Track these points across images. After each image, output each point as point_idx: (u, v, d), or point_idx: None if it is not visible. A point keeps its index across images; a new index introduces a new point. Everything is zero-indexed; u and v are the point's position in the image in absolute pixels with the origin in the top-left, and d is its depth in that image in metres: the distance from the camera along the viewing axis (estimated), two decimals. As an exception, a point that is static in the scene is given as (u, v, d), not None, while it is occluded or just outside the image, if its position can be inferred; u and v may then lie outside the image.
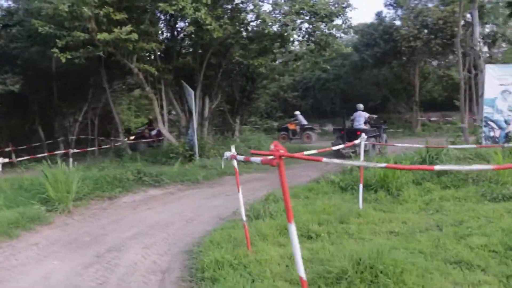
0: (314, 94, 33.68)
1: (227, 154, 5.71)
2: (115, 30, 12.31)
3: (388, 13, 30.89)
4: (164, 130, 16.09)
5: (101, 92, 23.52)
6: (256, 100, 22.27)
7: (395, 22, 29.16)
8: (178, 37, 16.27)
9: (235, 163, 5.82)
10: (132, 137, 22.91)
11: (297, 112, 26.24)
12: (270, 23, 13.74)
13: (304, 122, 25.41)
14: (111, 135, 26.50)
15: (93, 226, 8.54)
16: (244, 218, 5.92)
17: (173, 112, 35.15)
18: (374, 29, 27.76)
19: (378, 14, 29.87)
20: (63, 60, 13.19)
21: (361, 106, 17.54)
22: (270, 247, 5.89)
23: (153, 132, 23.52)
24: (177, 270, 5.73)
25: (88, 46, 13.56)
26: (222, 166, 13.51)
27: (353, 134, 15.52)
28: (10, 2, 19.01)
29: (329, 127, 31.29)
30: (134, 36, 12.49)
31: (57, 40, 13.10)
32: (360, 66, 30.19)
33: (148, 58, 14.98)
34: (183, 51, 16.42)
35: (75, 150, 16.40)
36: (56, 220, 8.94)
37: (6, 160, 14.08)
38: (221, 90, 18.86)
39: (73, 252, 6.86)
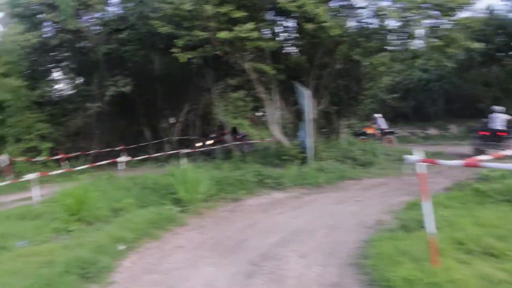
0: (415, 95, 32.09)
1: (411, 157, 5.07)
2: (236, 28, 12.06)
3: (505, 5, 28.51)
4: (276, 132, 15.68)
5: (201, 93, 23.82)
6: (362, 101, 21.36)
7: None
8: (290, 35, 15.79)
9: (421, 167, 5.14)
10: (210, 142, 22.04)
11: (377, 115, 25.08)
12: (391, 18, 12.92)
13: (384, 125, 24.21)
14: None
15: (229, 229, 8.20)
16: (432, 230, 5.21)
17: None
18: (486, 24, 25.91)
19: (489, 8, 27.85)
20: (183, 60, 13.15)
21: (499, 108, 16.26)
22: (455, 264, 5.18)
23: (238, 136, 23.06)
24: (352, 285, 5.17)
25: (205, 46, 13.43)
26: (405, 171, 12.83)
27: (495, 135, 14.59)
28: (117, 8, 19.48)
29: (431, 131, 29.66)
30: (255, 34, 12.18)
31: (175, 40, 13.11)
32: (466, 64, 28.28)
33: (259, 57, 14.57)
34: (295, 50, 15.90)
35: (186, 150, 16.42)
36: (190, 222, 8.73)
37: (128, 158, 14.28)
38: (328, 91, 18.17)
39: (223, 257, 6.52)
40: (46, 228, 8.27)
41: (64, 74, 20.03)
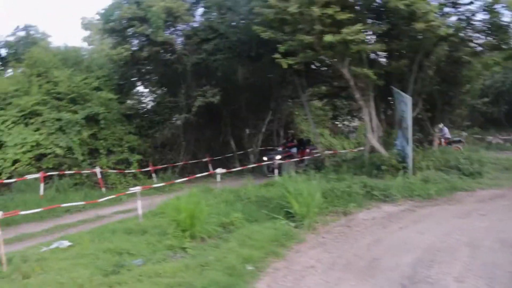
0: (508, 99, 29.78)
1: None
2: (344, 30, 11.38)
3: None
4: (373, 140, 14.75)
5: (283, 102, 23.30)
6: (460, 106, 19.99)
7: None
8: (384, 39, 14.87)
9: None
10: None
11: (441, 125, 23.55)
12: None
13: (448, 135, 22.65)
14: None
15: (354, 247, 7.50)
16: None
17: (351, 122, 34.08)
18: None
19: None
20: (285, 66, 12.65)
21: None
22: None
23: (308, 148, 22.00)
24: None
25: (307, 50, 12.84)
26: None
27: None
28: (204, 18, 19.33)
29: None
30: (361, 36, 11.46)
31: (278, 45, 12.63)
32: None
33: (358, 62, 13.75)
34: (395, 53, 14.92)
35: (280, 161, 15.87)
36: (308, 238, 8.11)
37: (223, 170, 13.89)
38: (422, 96, 17.03)
39: (362, 280, 5.88)
40: (159, 245, 7.91)
41: (150, 86, 20.09)
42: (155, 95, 20.14)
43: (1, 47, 21.84)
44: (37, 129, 15.33)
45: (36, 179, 13.46)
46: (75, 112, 16.15)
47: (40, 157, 15.00)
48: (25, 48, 21.16)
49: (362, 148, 22.25)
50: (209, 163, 19.55)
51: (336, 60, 13.50)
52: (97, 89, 17.24)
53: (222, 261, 6.40)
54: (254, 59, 17.47)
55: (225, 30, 17.00)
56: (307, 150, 20.47)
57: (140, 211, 10.08)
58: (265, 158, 18.77)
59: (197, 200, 8.64)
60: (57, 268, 6.60)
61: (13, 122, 15.20)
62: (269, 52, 13.88)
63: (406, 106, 13.88)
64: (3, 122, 15.02)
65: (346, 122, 34.06)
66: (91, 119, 16.47)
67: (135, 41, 18.61)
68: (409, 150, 13.93)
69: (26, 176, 13.36)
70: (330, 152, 21.86)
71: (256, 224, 8.60)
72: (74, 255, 7.40)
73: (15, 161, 14.34)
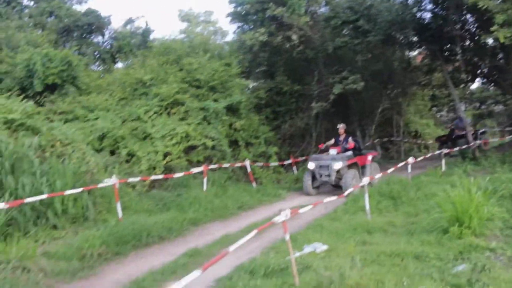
0: None
1: None
2: None
3: None
4: None
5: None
6: None
7: None
8: None
9: None
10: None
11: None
12: None
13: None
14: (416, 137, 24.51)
15: None
16: None
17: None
18: None
19: None
20: (502, 40, 11.06)
21: None
22: None
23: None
24: None
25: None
26: None
27: None
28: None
29: None
30: None
31: (496, 15, 11.04)
32: None
33: None
34: None
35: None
36: None
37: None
38: None
39: None
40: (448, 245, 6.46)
41: (277, 73, 18.80)
42: (277, 83, 18.76)
43: (115, 39, 21.21)
44: (182, 119, 14.28)
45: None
46: (216, 100, 15.03)
47: (187, 150, 13.90)
48: (144, 38, 20.55)
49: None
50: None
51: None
52: (236, 76, 16.12)
53: None
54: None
55: (378, 7, 15.54)
56: (369, 156, 14.14)
57: (367, 207, 8.73)
58: (311, 165, 13.36)
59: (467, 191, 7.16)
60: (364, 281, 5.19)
61: (155, 113, 14.18)
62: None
63: None
64: (146, 112, 14.02)
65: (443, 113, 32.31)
66: (229, 109, 15.30)
67: (265, 27, 17.38)
68: None
69: (191, 170, 12.23)
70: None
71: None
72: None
73: (165, 154, 13.27)
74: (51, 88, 14.34)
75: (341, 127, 14.04)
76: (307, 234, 7.82)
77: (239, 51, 17.45)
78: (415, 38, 17.17)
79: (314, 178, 13.27)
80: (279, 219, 5.49)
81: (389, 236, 7.42)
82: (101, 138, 12.65)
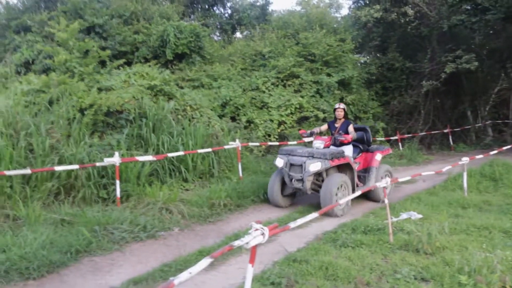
0: None
1: None
2: None
3: None
4: None
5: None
6: None
7: None
8: None
9: None
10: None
11: None
12: None
13: None
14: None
15: None
16: None
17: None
18: None
19: None
20: None
21: None
22: None
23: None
24: None
25: None
26: None
27: None
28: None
29: None
30: None
31: None
32: None
33: None
34: None
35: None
36: None
37: None
38: None
39: None
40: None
41: (390, 48, 19.04)
42: (389, 59, 18.96)
43: (235, 10, 22.52)
44: (296, 91, 15.30)
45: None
46: (329, 75, 15.82)
47: (300, 120, 14.93)
48: (262, 10, 21.61)
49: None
50: (449, 135, 18.19)
51: None
52: (351, 51, 16.76)
53: None
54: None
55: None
56: (377, 155, 9.61)
57: (465, 184, 9.26)
58: (279, 161, 8.76)
59: None
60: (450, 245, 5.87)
61: (272, 84, 15.31)
62: None
63: None
64: (263, 83, 15.18)
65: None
66: (341, 83, 16.02)
67: (380, 3, 17.62)
68: None
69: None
70: None
71: None
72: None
73: (279, 123, 14.42)
74: (179, 57, 15.96)
75: (341, 108, 9.39)
76: (405, 204, 8.59)
77: (353, 27, 17.88)
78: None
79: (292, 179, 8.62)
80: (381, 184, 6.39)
81: (483, 213, 7.93)
82: (224, 105, 14.04)
